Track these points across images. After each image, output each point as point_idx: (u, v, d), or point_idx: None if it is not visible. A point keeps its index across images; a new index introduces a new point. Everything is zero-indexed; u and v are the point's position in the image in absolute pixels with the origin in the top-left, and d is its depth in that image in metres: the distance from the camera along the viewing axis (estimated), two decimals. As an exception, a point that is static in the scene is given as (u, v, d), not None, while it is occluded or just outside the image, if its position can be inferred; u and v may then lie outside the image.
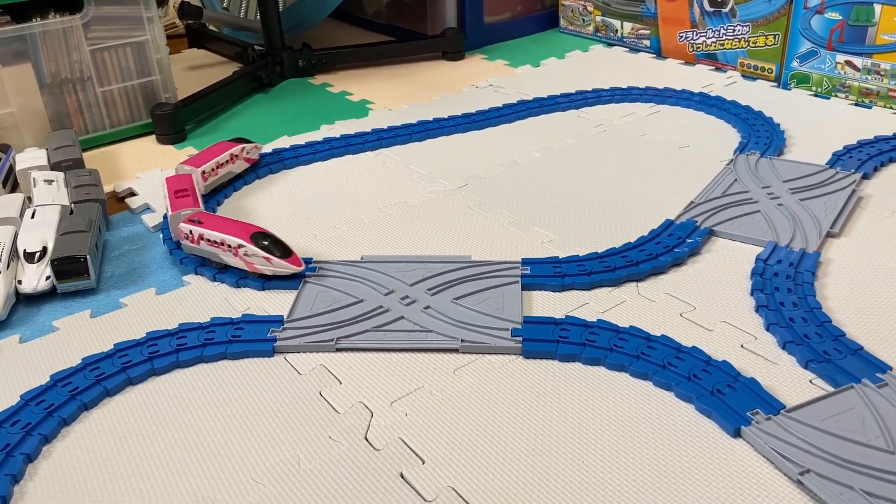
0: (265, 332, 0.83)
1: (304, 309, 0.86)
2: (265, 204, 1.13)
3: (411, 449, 0.68)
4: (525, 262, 0.94)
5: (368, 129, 1.34)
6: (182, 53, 1.91)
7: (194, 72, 1.77)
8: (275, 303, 0.90)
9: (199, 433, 0.72)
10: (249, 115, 1.48)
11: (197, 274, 0.96)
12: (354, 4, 2.04)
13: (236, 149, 1.16)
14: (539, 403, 0.73)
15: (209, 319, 0.85)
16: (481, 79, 1.61)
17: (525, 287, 0.90)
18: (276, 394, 0.76)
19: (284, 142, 1.32)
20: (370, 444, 0.69)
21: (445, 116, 1.39)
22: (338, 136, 1.32)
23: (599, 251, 0.95)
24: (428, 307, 0.86)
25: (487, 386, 0.76)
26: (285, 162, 1.23)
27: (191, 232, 0.94)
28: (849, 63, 1.36)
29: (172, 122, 1.37)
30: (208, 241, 0.93)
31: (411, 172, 1.21)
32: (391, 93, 1.56)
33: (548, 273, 0.92)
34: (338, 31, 2.02)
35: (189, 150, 1.33)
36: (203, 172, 1.10)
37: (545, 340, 0.80)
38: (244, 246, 0.91)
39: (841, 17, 1.34)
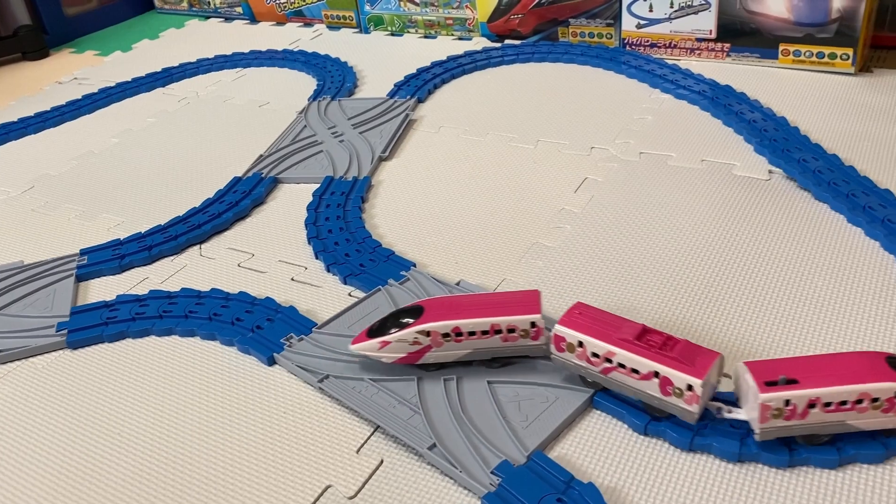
0: None
1: None
2: None
3: (-75, 481, 0.63)
4: (83, 252, 0.90)
5: (-82, 151, 1.19)
6: None
7: None
8: None
9: None
10: None
11: None
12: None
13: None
14: (87, 390, 0.71)
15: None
16: (66, 74, 1.50)
17: (83, 278, 0.86)
18: None
19: None
20: None
21: (15, 120, 1.28)
22: None
23: (163, 223, 0.94)
24: (-36, 327, 0.79)
25: (30, 389, 0.71)
26: None
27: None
28: (410, 0, 1.47)
29: None
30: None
31: (-32, 188, 1.09)
32: (-42, 106, 1.40)
33: (106, 258, 0.88)
34: None
35: None
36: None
37: (90, 326, 0.77)
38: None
39: (390, -41, 1.44)
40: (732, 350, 0.67)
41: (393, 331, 0.66)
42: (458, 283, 0.78)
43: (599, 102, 1.14)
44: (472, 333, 0.65)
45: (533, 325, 0.64)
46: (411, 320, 0.66)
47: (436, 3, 1.44)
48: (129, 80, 1.39)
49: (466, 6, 1.42)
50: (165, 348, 0.75)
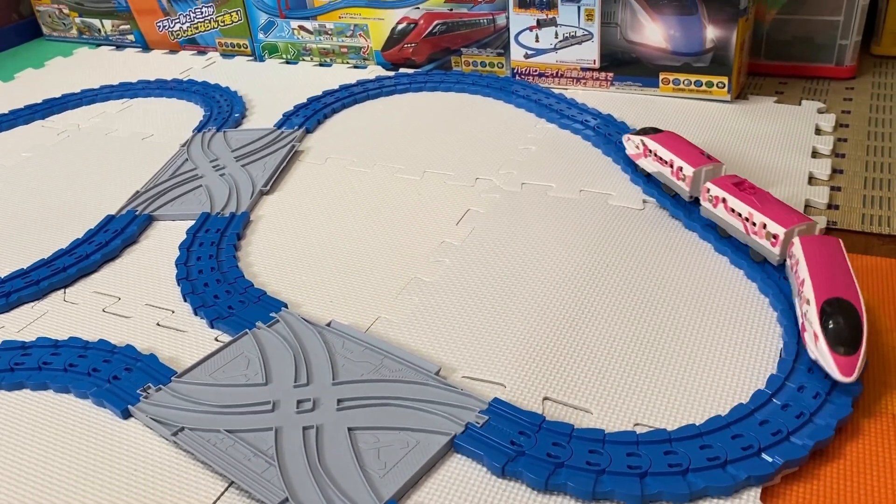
0: None
1: None
2: None
3: None
4: (-67, 301, 0.85)
5: None
6: None
7: None
8: None
9: None
10: None
11: None
12: None
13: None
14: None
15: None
16: (-61, 106, 1.43)
17: (-69, 329, 0.81)
18: None
19: None
20: None
21: None
22: None
23: (24, 267, 0.89)
24: None
25: None
26: None
27: None
28: (302, 28, 1.45)
29: None
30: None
31: None
32: None
33: (-41, 306, 0.83)
34: None
35: None
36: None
37: (-68, 384, 0.72)
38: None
39: (282, -13, 1.42)
40: (597, 372, 0.67)
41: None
42: (328, 324, 0.76)
43: (488, 132, 1.14)
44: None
45: None
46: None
47: (330, 32, 1.43)
48: (7, 112, 1.33)
49: (360, 35, 1.41)
50: (16, 404, 0.71)
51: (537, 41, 1.25)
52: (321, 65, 1.47)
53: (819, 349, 0.63)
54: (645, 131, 0.96)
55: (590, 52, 1.22)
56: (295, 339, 0.74)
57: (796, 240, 0.73)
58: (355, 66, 1.44)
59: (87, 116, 1.32)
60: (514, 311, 0.77)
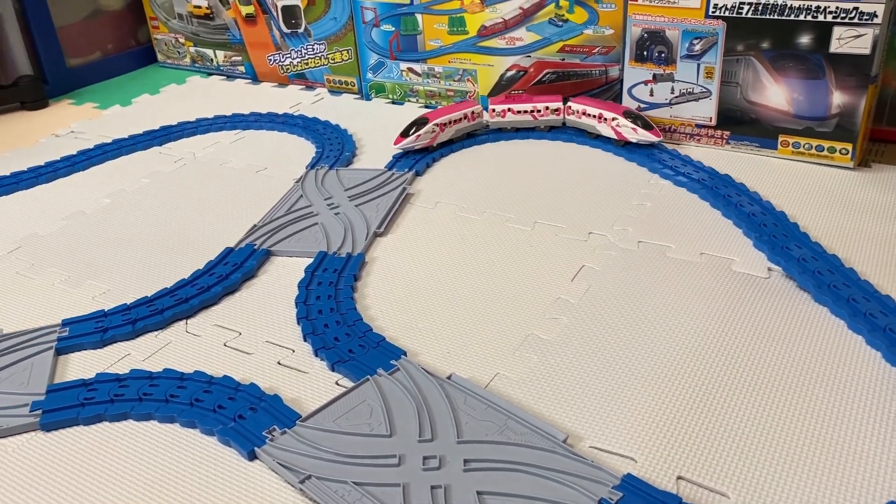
0: None
1: None
2: None
3: None
4: (65, 322, 0.87)
5: None
6: None
7: None
8: None
9: None
10: None
11: None
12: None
13: (609, 114, 1.22)
14: (58, 475, 0.68)
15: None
16: (63, 126, 1.49)
17: (62, 351, 0.84)
18: None
19: None
20: None
21: (8, 174, 1.26)
22: None
23: (150, 295, 0.92)
24: (-66, 401, 0.76)
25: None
26: None
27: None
28: (411, 69, 1.48)
29: None
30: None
31: (-47, 245, 1.07)
32: (-49, 156, 1.39)
33: (88, 330, 0.86)
34: None
35: None
36: (569, 108, 1.27)
37: (66, 407, 0.74)
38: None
39: (394, 29, 1.45)
40: (732, 452, 0.65)
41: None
42: (448, 377, 0.76)
43: (598, 185, 1.13)
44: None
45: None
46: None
47: (438, 75, 1.45)
48: (126, 136, 1.39)
49: (468, 79, 1.42)
50: (143, 434, 0.72)
51: (651, 95, 1.23)
52: (426, 106, 1.49)
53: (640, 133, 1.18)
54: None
55: (706, 110, 1.20)
56: (416, 390, 0.74)
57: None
58: (460, 109, 1.46)
59: (202, 145, 1.36)
60: (639, 379, 0.75)
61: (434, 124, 1.22)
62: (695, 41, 1.17)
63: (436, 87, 1.47)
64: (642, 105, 1.25)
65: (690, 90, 1.20)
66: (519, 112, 1.26)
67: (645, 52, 1.21)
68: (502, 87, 1.39)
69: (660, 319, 0.83)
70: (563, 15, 1.29)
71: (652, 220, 1.03)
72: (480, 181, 1.17)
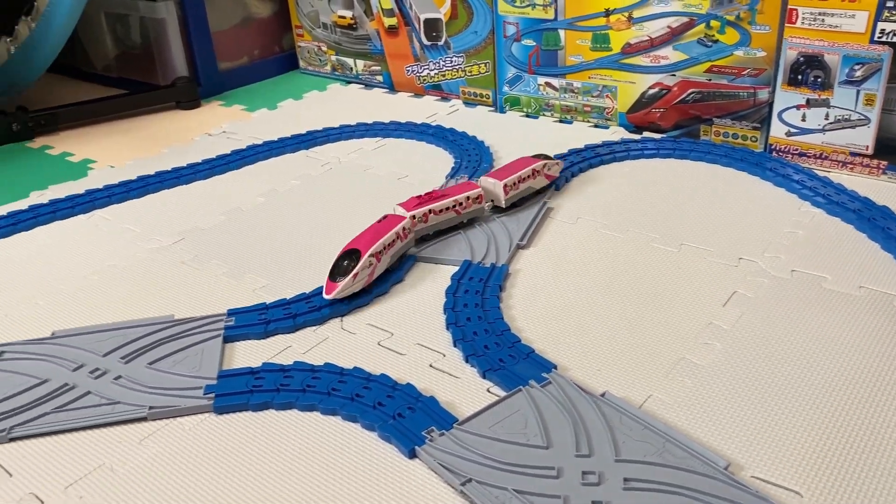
0: (-75, 434, 0.75)
1: (-24, 400, 0.80)
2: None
3: (80, 534, 0.65)
4: (231, 312, 0.93)
5: (82, 191, 1.27)
6: None
7: None
8: (-55, 398, 0.82)
9: None
10: (-50, 189, 1.36)
11: None
12: (82, 59, 1.94)
13: (538, 164, 1.15)
14: (228, 458, 0.72)
15: None
16: (215, 126, 1.59)
17: (229, 339, 0.89)
18: (-67, 501, 0.69)
19: (-16, 215, 1.22)
20: (34, 538, 0.65)
21: (169, 169, 1.36)
22: (46, 202, 1.24)
23: (307, 292, 0.97)
24: (119, 377, 0.82)
25: (176, 451, 0.73)
26: (-21, 237, 1.14)
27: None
28: (548, 84, 1.49)
29: None
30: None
31: (125, 232, 1.16)
32: (117, 149, 1.50)
33: (252, 321, 0.91)
34: (66, 88, 1.91)
35: None
36: (505, 186, 1.10)
37: (237, 393, 0.79)
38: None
39: (535, 43, 1.47)
40: (904, 510, 0.62)
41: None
42: (602, 395, 0.76)
43: (745, 209, 1.11)
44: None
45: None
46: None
47: (576, 91, 1.45)
48: (276, 139, 1.46)
49: (607, 95, 1.42)
50: (308, 424, 0.76)
51: (803, 120, 1.20)
52: (561, 121, 1.50)
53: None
54: None
55: (863, 137, 1.15)
56: (570, 404, 0.74)
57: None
58: (596, 126, 1.46)
59: (345, 151, 1.42)
60: (800, 412, 0.73)
61: (370, 255, 0.95)
62: (856, 67, 1.13)
63: (572, 102, 1.47)
64: (792, 130, 1.21)
65: (847, 117, 1.16)
66: (441, 211, 1.06)
67: (800, 76, 1.18)
68: (643, 105, 1.38)
69: (819, 352, 0.81)
70: (713, 35, 1.27)
71: (805, 248, 1.00)
72: (619, 199, 1.17)
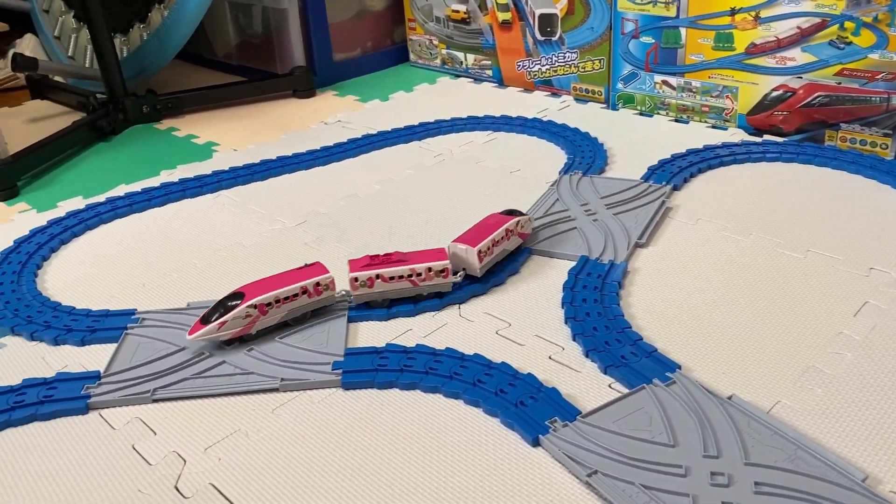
0: (79, 390, 0.81)
1: (122, 362, 0.85)
2: (97, 255, 1.11)
3: (221, 493, 0.68)
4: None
5: (209, 172, 1.34)
6: (23, 106, 1.85)
7: (35, 124, 1.71)
8: (94, 358, 0.88)
9: (8, 499, 0.69)
10: (88, 165, 1.45)
11: (14, 334, 0.93)
12: (205, 47, 2.03)
13: (511, 223, 1.00)
14: (355, 432, 0.75)
15: (21, 381, 0.83)
16: (330, 115, 1.64)
17: (352, 319, 0.92)
18: (88, 451, 0.74)
19: (121, 190, 1.30)
20: (180, 493, 0.69)
21: (290, 154, 1.41)
22: (176, 180, 1.31)
23: (425, 278, 0.99)
24: (251, 349, 0.86)
25: (305, 422, 0.77)
26: (118, 210, 1.21)
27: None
28: (665, 83, 1.46)
29: (1, 178, 1.32)
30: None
31: (250, 212, 1.21)
32: (238, 133, 1.56)
33: (374, 304, 0.94)
34: (190, 73, 2.00)
35: (20, 207, 1.29)
36: (479, 252, 0.94)
37: (364, 371, 0.82)
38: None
39: (654, 41, 1.45)
40: None
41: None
42: (729, 397, 0.75)
43: (874, 218, 1.07)
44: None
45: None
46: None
47: (694, 90, 1.43)
48: (389, 129, 1.50)
49: (727, 96, 1.39)
50: (430, 406, 0.78)
51: (943, 128, 1.14)
52: (677, 120, 1.47)
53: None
54: None
55: None
56: (696, 405, 0.74)
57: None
58: (713, 127, 1.43)
59: (457, 143, 1.44)
60: (941, 430, 0.70)
61: (249, 305, 0.85)
62: None
63: (689, 102, 1.44)
64: (930, 137, 1.16)
65: None
66: (392, 278, 0.91)
67: (942, 81, 1.12)
68: (765, 107, 1.35)
69: (962, 370, 0.77)
70: (846, 37, 1.22)
71: (944, 262, 0.95)
72: (741, 201, 1.14)
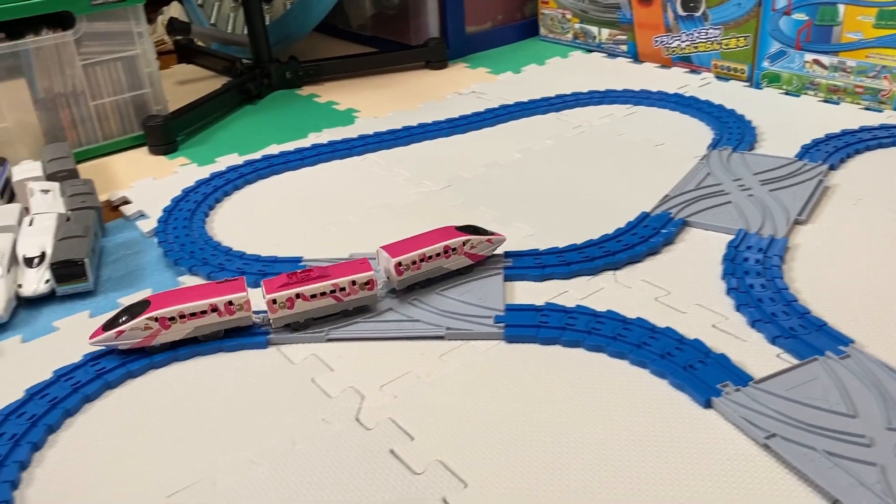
0: (259, 326, 0.86)
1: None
2: (258, 206, 1.17)
3: (401, 427, 0.72)
4: (507, 254, 0.98)
5: (355, 136, 1.39)
6: (172, 69, 1.95)
7: (184, 86, 1.80)
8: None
9: (197, 420, 0.75)
10: (239, 125, 1.52)
11: (192, 274, 0.99)
12: (340, 18, 2.09)
13: (455, 241, 0.91)
14: (521, 383, 0.77)
15: (204, 316, 0.89)
16: (464, 86, 1.66)
17: (507, 278, 0.94)
18: (271, 381, 0.79)
19: (273, 150, 1.36)
20: (361, 425, 0.73)
21: (430, 122, 1.44)
22: (325, 142, 1.36)
23: (578, 243, 1.00)
24: (415, 299, 0.90)
25: (472, 369, 0.79)
26: (274, 167, 1.27)
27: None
28: (817, 62, 1.41)
29: (164, 133, 1.40)
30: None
31: (396, 175, 1.25)
32: (377, 101, 1.61)
33: (529, 264, 0.96)
34: (324, 43, 2.07)
35: (181, 161, 1.37)
36: (399, 265, 0.88)
37: (526, 326, 0.84)
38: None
39: (807, 18, 1.40)
40: None
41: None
42: (910, 375, 0.73)
43: None
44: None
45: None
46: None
47: (848, 70, 1.37)
48: (526, 100, 1.51)
49: (885, 77, 1.33)
50: (596, 364, 0.79)
51: None
52: (826, 101, 1.42)
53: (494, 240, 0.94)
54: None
55: None
56: (875, 379, 0.72)
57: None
58: (867, 108, 1.37)
59: (596, 115, 1.44)
60: None
61: (149, 317, 0.80)
62: None
63: (842, 83, 1.39)
64: None
65: None
66: (314, 296, 0.84)
67: None
68: (929, 89, 1.28)
69: None
70: None
71: None
72: (905, 184, 1.10)
